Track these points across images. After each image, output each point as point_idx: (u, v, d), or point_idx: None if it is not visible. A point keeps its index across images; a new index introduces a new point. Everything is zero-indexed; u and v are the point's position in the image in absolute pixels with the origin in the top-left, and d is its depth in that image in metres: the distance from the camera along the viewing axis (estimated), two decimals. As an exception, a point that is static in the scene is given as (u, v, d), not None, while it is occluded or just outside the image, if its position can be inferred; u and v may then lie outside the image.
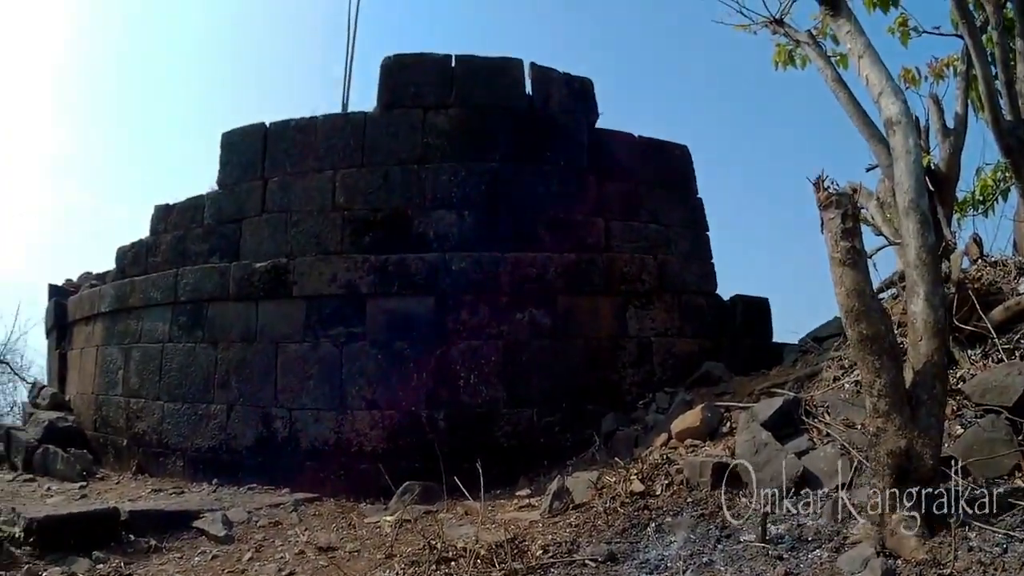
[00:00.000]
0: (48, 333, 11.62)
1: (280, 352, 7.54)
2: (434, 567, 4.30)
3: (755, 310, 8.76)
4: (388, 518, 5.92)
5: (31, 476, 8.26)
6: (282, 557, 5.36)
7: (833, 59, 5.48)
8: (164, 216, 9.08)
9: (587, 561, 4.07)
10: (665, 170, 8.85)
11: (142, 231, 9.44)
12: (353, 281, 7.44)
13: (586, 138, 8.37)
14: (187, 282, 8.19)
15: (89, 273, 11.62)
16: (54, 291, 11.43)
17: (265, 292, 7.69)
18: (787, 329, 8.47)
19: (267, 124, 8.59)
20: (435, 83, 8.11)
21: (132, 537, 5.72)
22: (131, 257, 9.27)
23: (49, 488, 7.66)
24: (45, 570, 5.02)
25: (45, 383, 11.00)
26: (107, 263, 10.86)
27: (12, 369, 16.60)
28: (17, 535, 5.46)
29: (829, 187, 3.71)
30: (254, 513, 6.34)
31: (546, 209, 7.87)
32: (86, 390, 9.49)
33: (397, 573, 4.44)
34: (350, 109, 9.29)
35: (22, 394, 16.47)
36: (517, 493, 6.49)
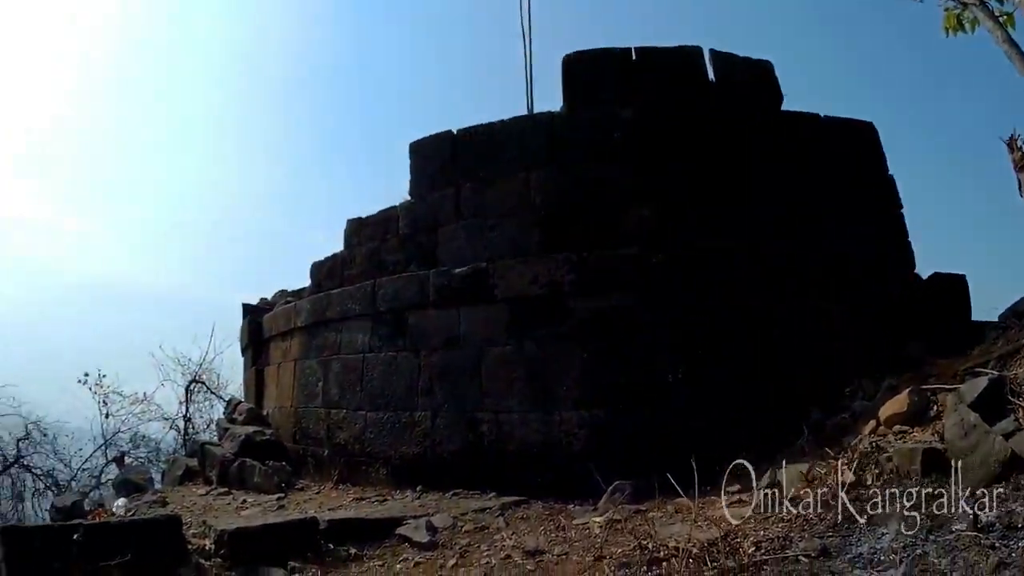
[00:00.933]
0: (244, 351, 11.93)
1: (484, 356, 7.38)
2: (645, 568, 4.14)
3: (953, 288, 8.08)
4: (597, 519, 5.67)
5: (226, 490, 8.31)
6: (487, 562, 5.16)
7: (1000, 19, 5.05)
8: (357, 229, 9.16)
9: (800, 557, 3.95)
10: (854, 149, 8.35)
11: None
12: (554, 281, 7.21)
13: (771, 121, 8.02)
14: (385, 292, 8.17)
15: (284, 291, 11.88)
16: (248, 310, 11.73)
17: (466, 297, 7.56)
18: (984, 307, 7.84)
19: (454, 132, 8.57)
20: (617, 77, 7.94)
21: (331, 546, 5.62)
22: (326, 271, 9.39)
23: (244, 500, 7.67)
24: (235, 582, 4.95)
25: (240, 400, 11.27)
26: (300, 284, 11.12)
27: (208, 388, 17.16)
28: (208, 547, 5.44)
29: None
30: (459, 518, 6.14)
31: (740, 198, 7.50)
32: (284, 403, 9.62)
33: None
34: (534, 110, 9.21)
35: (218, 412, 16.98)
36: (727, 489, 6.10)
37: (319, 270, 9.57)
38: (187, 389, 17.11)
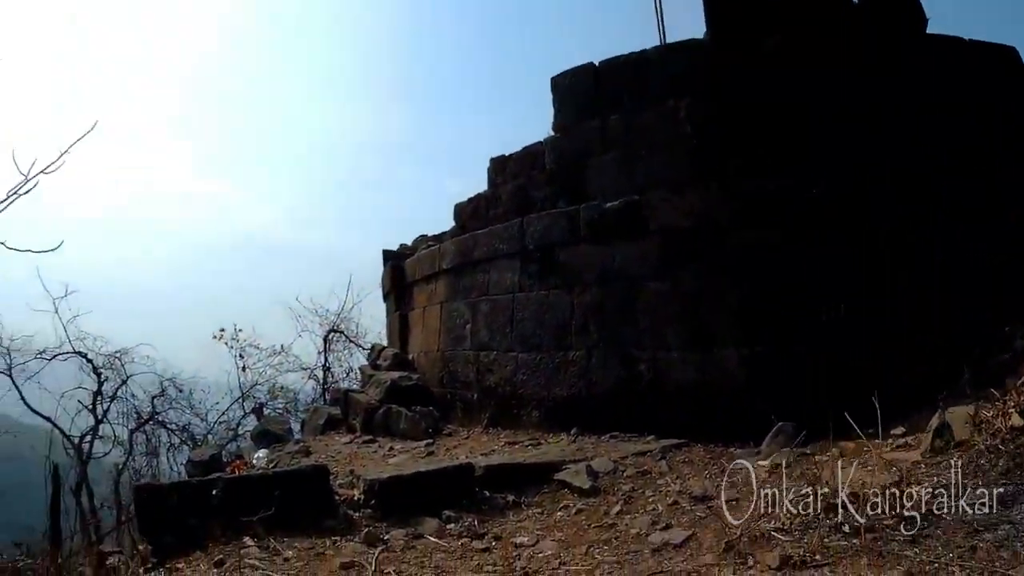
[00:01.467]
0: (386, 297, 11.94)
1: (638, 292, 7.04)
2: (822, 515, 3.84)
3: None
4: (762, 462, 5.25)
5: (371, 437, 8.24)
6: (654, 509, 4.86)
7: None
8: (501, 167, 8.92)
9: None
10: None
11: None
12: (709, 213, 6.78)
13: (918, 45, 7.43)
14: (534, 230, 7.91)
15: (424, 236, 11.80)
16: (389, 256, 11.71)
17: (618, 231, 7.22)
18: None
19: (596, 64, 8.17)
20: (760, 2, 7.41)
21: (487, 494, 5.41)
22: (471, 212, 9.21)
23: (392, 448, 7.57)
24: (387, 532, 4.76)
25: (384, 346, 11.28)
26: (439, 230, 11.01)
27: (347, 337, 17.27)
28: (356, 498, 5.27)
29: None
30: (619, 463, 5.84)
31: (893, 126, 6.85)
32: (430, 347, 9.54)
33: (782, 523, 3.90)
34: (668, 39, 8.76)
35: (358, 360, 17.05)
36: (892, 432, 5.61)
37: (463, 211, 9.40)
38: (325, 339, 17.24)
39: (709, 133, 7.09)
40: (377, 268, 12.35)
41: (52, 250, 11.35)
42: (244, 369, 16.68)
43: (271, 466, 6.80)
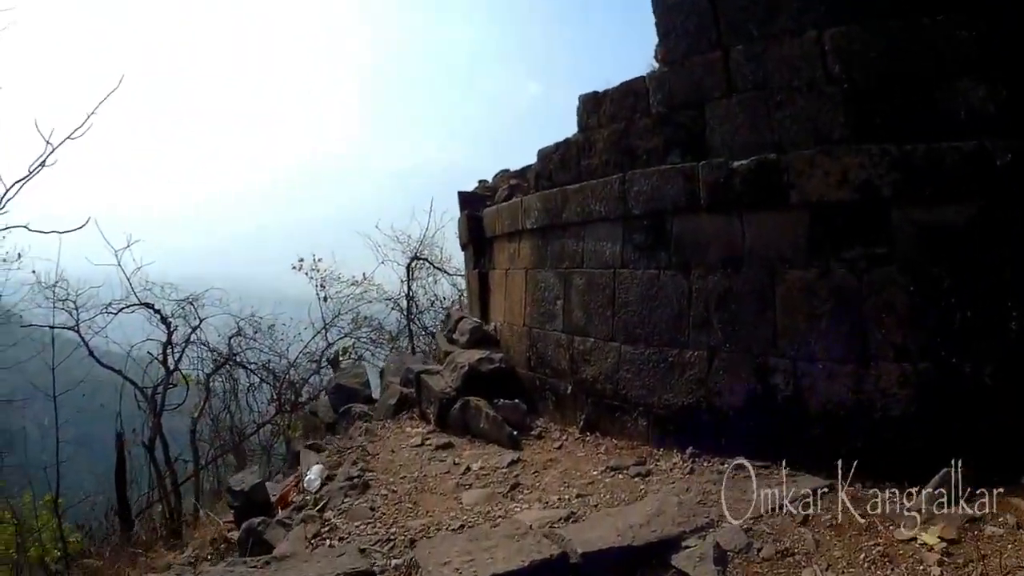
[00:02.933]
0: (463, 247, 10.58)
1: (777, 281, 5.51)
2: None
3: None
4: (928, 539, 4.02)
5: (446, 440, 7.05)
6: None
7: None
8: (594, 107, 7.30)
9: None
10: None
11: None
12: (870, 181, 5.12)
13: None
14: (639, 189, 6.39)
15: (506, 171, 10.30)
16: (465, 200, 10.23)
17: (749, 199, 5.64)
18: None
19: (713, -20, 6.39)
20: None
21: None
22: (558, 161, 7.65)
23: (468, 469, 6.23)
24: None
25: (462, 314, 9.98)
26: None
27: (431, 263, 16.38)
28: None
29: None
30: (753, 532, 4.43)
31: None
32: (515, 320, 8.20)
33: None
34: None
35: (443, 289, 16.42)
36: None
37: (548, 159, 7.83)
38: (408, 267, 16.43)
39: (865, 74, 5.39)
40: (457, 185, 11.00)
41: (76, 230, 10.46)
42: (326, 300, 16.22)
43: (320, 501, 5.65)
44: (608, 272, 6.67)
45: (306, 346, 15.64)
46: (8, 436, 16.10)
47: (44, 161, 8.85)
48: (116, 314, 12.79)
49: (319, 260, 16.01)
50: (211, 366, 14.28)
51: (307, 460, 6.94)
